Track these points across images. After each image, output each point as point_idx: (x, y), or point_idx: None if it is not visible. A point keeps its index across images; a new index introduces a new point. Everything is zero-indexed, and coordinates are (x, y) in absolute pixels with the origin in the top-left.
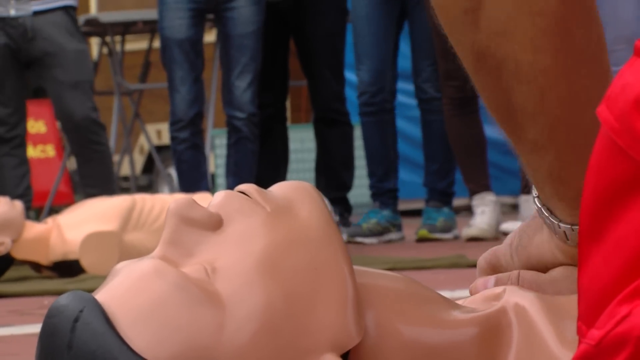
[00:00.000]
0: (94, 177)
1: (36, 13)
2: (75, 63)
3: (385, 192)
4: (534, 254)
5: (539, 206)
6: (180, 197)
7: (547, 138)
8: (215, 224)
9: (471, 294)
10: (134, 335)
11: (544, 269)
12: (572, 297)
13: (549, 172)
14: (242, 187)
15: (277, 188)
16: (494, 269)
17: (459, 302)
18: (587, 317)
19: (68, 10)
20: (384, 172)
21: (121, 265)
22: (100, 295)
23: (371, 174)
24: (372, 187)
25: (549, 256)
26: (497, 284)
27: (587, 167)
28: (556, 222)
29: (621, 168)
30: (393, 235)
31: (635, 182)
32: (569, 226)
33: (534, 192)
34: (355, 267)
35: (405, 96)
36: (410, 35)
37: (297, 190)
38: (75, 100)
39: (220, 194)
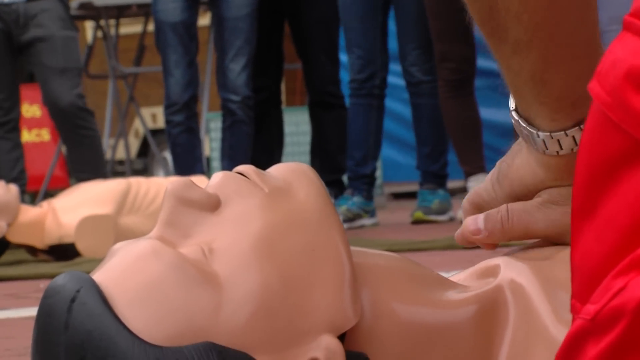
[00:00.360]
0: (84, 162)
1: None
2: (63, 50)
3: (360, 176)
4: (515, 178)
5: (516, 119)
6: (178, 178)
7: (530, 37)
8: (213, 204)
9: (461, 237)
10: (131, 315)
11: (527, 193)
12: (564, 264)
13: (531, 74)
14: (240, 168)
15: (275, 170)
16: (479, 207)
17: (455, 276)
18: (580, 294)
19: None
20: (362, 157)
21: (118, 245)
22: (97, 276)
23: (350, 157)
24: (349, 170)
25: (530, 176)
26: (486, 220)
27: (569, 69)
28: (534, 132)
29: (613, 143)
30: (365, 221)
31: (628, 155)
32: (548, 134)
33: (512, 105)
34: (352, 247)
35: (399, 78)
36: (395, 19)
37: (295, 171)
38: (62, 86)
39: (218, 175)
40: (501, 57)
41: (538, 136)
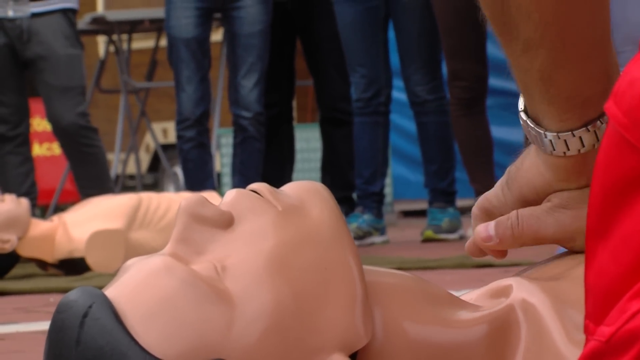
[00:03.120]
0: (89, 178)
1: (34, 15)
2: (66, 68)
3: (370, 194)
4: (524, 183)
5: (525, 119)
6: (192, 195)
7: (540, 36)
8: (226, 222)
9: (472, 245)
10: (143, 331)
11: (536, 197)
12: (575, 283)
13: (540, 73)
14: (254, 186)
15: (288, 188)
16: (488, 213)
17: (466, 296)
18: (594, 315)
19: (67, 13)
20: (370, 174)
21: (131, 261)
22: (110, 291)
23: (358, 175)
24: (357, 188)
25: (538, 178)
26: (497, 227)
27: (578, 69)
28: (542, 132)
29: (630, 163)
30: (376, 239)
31: None
32: (555, 134)
33: (521, 106)
34: (364, 266)
35: (404, 93)
36: (396, 38)
37: (308, 190)
38: (63, 105)
39: (232, 193)
40: (511, 55)
41: (545, 136)
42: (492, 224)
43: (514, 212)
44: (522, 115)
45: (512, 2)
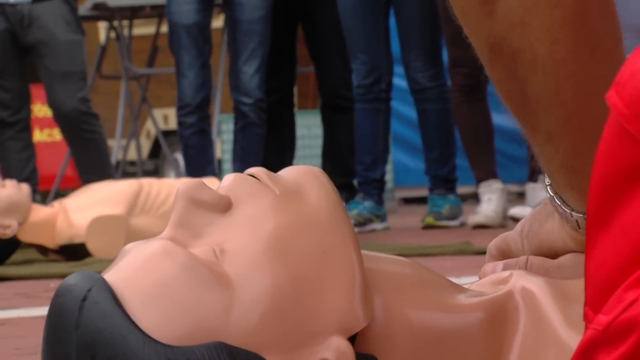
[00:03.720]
0: (90, 164)
1: (35, 0)
2: (67, 54)
3: (370, 181)
4: (545, 240)
5: (552, 194)
6: (190, 179)
7: (562, 128)
8: (224, 206)
9: (480, 278)
10: (142, 315)
11: (554, 255)
12: (579, 281)
13: (562, 163)
14: (252, 170)
15: (286, 172)
16: (504, 255)
17: (466, 285)
18: (594, 303)
19: None
20: (371, 161)
21: (130, 245)
22: (109, 275)
23: (359, 162)
24: (358, 175)
25: (560, 243)
26: (505, 268)
27: None
28: (568, 211)
29: (630, 154)
30: (376, 226)
31: None
32: (582, 215)
33: (547, 181)
34: (363, 251)
35: (405, 80)
36: (396, 25)
37: (306, 174)
38: (64, 91)
39: (230, 177)
40: (535, 144)
41: (572, 216)
42: (500, 265)
43: (524, 257)
44: (549, 190)
45: (532, 96)
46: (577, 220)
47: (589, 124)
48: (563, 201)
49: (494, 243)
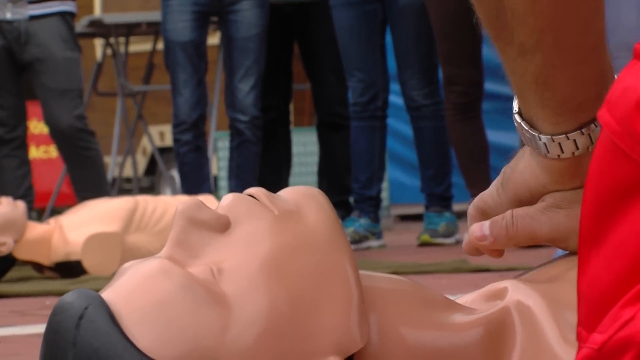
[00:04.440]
0: (86, 181)
1: (32, 18)
2: (64, 71)
3: (366, 199)
4: (519, 183)
5: (519, 121)
6: (188, 198)
7: (536, 41)
8: (223, 225)
9: (468, 245)
10: (139, 334)
11: (530, 198)
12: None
13: (534, 77)
14: (251, 190)
15: (285, 193)
16: (484, 213)
17: (462, 298)
18: (587, 322)
19: (65, 16)
20: (367, 179)
21: (128, 264)
22: (106, 294)
23: (355, 180)
24: (354, 193)
25: (533, 179)
26: (492, 226)
27: (573, 74)
28: (537, 135)
29: (623, 171)
30: (372, 243)
31: (637, 184)
32: (549, 137)
33: (515, 108)
34: (360, 271)
35: (402, 98)
36: (393, 43)
37: (305, 195)
38: (61, 108)
39: (229, 197)
40: (506, 59)
41: (540, 139)
42: (486, 223)
43: (509, 211)
44: (517, 117)
45: (508, 7)
46: (545, 144)
47: (564, 37)
48: (531, 126)
49: (472, 205)
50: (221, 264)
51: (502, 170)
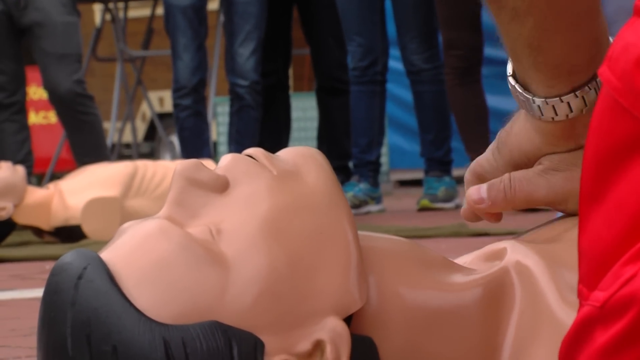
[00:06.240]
0: (85, 146)
1: None
2: (63, 35)
3: (366, 163)
4: (515, 145)
5: (513, 84)
6: (187, 160)
7: (528, 4)
8: (221, 186)
9: (466, 210)
10: (138, 293)
11: (526, 161)
12: (571, 246)
13: (528, 41)
14: (250, 151)
15: (284, 153)
16: (480, 178)
17: (461, 259)
18: (588, 280)
19: None
20: (366, 144)
21: (127, 224)
22: (105, 254)
23: (354, 144)
24: (354, 157)
25: (527, 142)
26: (489, 189)
27: (566, 38)
28: (530, 97)
29: (624, 128)
30: (372, 208)
31: (637, 141)
32: (543, 99)
33: (509, 71)
34: (359, 232)
35: (401, 62)
36: (392, 7)
37: (303, 155)
38: (60, 72)
39: (228, 157)
40: (500, 23)
41: (533, 102)
42: (484, 186)
43: (507, 174)
44: (511, 80)
45: None
46: (539, 106)
47: (556, 1)
48: (525, 89)
49: (468, 170)
50: (220, 224)
51: (498, 134)
